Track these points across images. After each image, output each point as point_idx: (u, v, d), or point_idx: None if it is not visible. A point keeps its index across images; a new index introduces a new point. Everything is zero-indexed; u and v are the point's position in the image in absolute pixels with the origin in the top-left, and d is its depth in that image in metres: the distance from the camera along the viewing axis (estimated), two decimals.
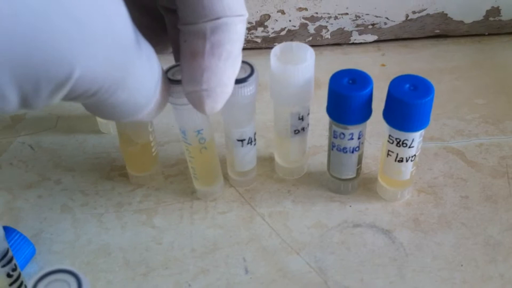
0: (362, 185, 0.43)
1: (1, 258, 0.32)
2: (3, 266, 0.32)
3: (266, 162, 0.45)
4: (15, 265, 0.33)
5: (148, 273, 0.38)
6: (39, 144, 0.46)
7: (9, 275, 0.33)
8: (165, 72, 0.36)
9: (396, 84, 0.36)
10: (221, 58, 0.29)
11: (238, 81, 0.36)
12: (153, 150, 0.42)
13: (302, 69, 0.37)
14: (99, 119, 0.46)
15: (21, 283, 0.34)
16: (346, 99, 0.37)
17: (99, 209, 0.41)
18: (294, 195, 0.43)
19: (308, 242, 0.40)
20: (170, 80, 0.35)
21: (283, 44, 0.39)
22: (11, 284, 0.33)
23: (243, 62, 0.37)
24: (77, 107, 0.49)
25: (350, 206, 0.42)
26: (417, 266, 0.38)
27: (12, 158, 0.45)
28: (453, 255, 0.39)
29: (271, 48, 0.51)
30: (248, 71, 0.37)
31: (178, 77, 0.35)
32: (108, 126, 0.47)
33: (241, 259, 0.39)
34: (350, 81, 0.37)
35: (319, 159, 0.45)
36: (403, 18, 0.55)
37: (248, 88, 0.36)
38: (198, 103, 0.30)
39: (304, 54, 0.38)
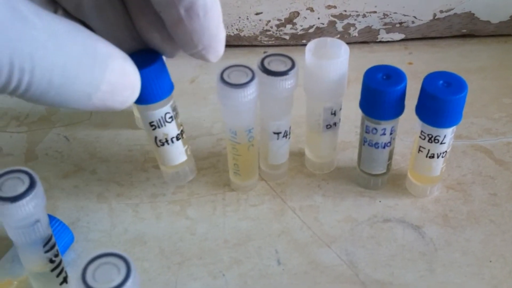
0: (391, 181, 0.44)
1: (45, 244, 0.33)
2: (46, 251, 0.33)
3: (296, 156, 0.46)
4: (57, 251, 0.34)
5: (183, 262, 0.39)
6: (74, 135, 0.47)
7: (51, 261, 0.34)
8: (220, 74, 0.37)
9: (430, 80, 0.37)
10: (200, 17, 0.28)
11: (279, 74, 0.37)
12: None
13: (337, 64, 0.38)
14: (136, 115, 0.47)
15: (62, 269, 0.35)
16: (380, 94, 0.37)
17: (134, 199, 0.42)
18: (324, 189, 0.43)
19: (338, 235, 0.40)
20: (225, 83, 0.36)
21: (318, 39, 0.39)
22: (53, 270, 0.34)
23: (284, 56, 0.38)
24: None
25: (380, 201, 0.43)
26: (447, 261, 0.39)
27: (48, 149, 0.46)
28: (481, 251, 0.39)
29: (299, 45, 0.52)
30: (289, 64, 0.38)
31: (233, 81, 0.36)
32: None
33: (273, 250, 0.39)
34: (384, 77, 0.38)
35: (348, 155, 0.46)
36: (431, 17, 0.56)
37: (289, 81, 0.37)
38: (202, 59, 0.31)
39: (338, 49, 0.39)
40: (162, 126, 0.36)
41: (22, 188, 0.30)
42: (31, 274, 0.34)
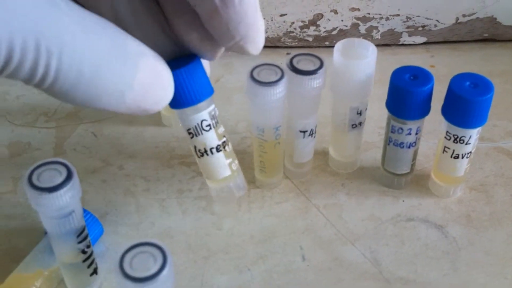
0: (415, 181, 0.44)
1: (78, 234, 0.33)
2: (79, 242, 0.34)
3: (320, 155, 0.46)
4: (89, 242, 0.35)
5: (210, 256, 0.39)
6: (101, 131, 0.48)
7: (83, 252, 0.34)
8: (251, 72, 0.37)
9: (457, 81, 0.37)
10: (235, 3, 0.27)
11: (307, 73, 0.38)
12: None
13: (364, 65, 0.39)
14: (162, 112, 0.48)
15: (93, 260, 0.36)
16: (408, 94, 0.38)
17: (160, 194, 0.43)
18: (347, 188, 0.44)
19: (362, 233, 0.41)
20: (255, 81, 0.36)
21: (346, 40, 0.40)
22: (84, 260, 0.35)
23: (313, 55, 0.39)
24: None
25: (403, 200, 0.43)
26: (470, 260, 0.39)
27: (75, 144, 0.47)
28: (504, 251, 0.40)
29: (322, 47, 0.53)
30: (318, 64, 0.38)
31: (263, 79, 0.37)
32: (170, 120, 0.48)
33: (298, 247, 0.40)
34: (412, 77, 0.38)
35: (371, 155, 0.46)
36: (453, 21, 0.56)
37: (317, 80, 0.38)
38: (242, 52, 0.29)
39: (366, 50, 0.40)
40: (199, 134, 0.34)
41: (59, 179, 0.31)
42: (63, 265, 0.35)
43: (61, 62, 0.23)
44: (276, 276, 0.38)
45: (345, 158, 0.45)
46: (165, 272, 0.27)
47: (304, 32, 0.57)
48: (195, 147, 0.34)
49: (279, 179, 0.44)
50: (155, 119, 0.49)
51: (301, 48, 0.58)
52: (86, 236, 0.34)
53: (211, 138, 0.34)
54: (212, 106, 0.34)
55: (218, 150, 0.35)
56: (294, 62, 0.39)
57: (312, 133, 0.42)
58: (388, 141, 0.41)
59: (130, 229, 0.41)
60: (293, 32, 0.56)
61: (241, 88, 0.53)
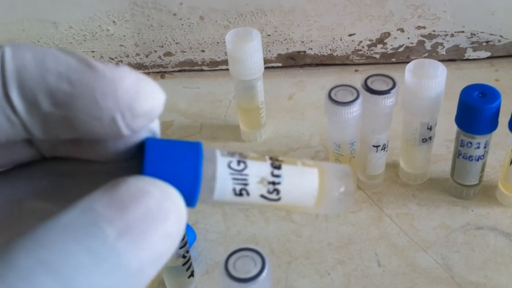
0: (483, 192, 0.47)
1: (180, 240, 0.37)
2: (181, 247, 0.38)
3: (390, 167, 0.49)
4: (188, 247, 0.39)
5: (292, 261, 0.43)
6: None
7: (184, 256, 0.38)
8: (329, 93, 0.40)
9: None
10: None
11: (381, 93, 0.41)
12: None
13: (435, 84, 0.42)
14: (242, 128, 0.52)
15: (191, 264, 0.40)
16: (477, 111, 0.40)
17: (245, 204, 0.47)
18: (418, 198, 0.47)
19: (434, 241, 0.44)
20: (333, 101, 0.40)
21: (417, 60, 0.43)
22: (184, 264, 0.39)
23: (386, 76, 0.42)
24: (218, 116, 0.55)
25: (472, 210, 0.46)
26: None
27: None
28: None
29: (389, 63, 0.55)
30: (390, 84, 0.41)
31: (340, 99, 0.40)
32: (249, 136, 0.52)
33: (373, 253, 0.43)
34: (480, 95, 0.41)
35: (440, 167, 0.49)
36: None
37: (390, 99, 0.41)
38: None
39: (436, 70, 0.42)
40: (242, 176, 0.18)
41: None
42: (165, 268, 0.39)
43: None
44: (354, 280, 0.41)
45: (415, 170, 0.47)
46: (264, 274, 0.30)
47: (372, 50, 0.60)
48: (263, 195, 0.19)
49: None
50: (235, 135, 0.53)
51: (369, 65, 0.61)
52: (186, 242, 0.38)
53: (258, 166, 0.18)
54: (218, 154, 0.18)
55: (277, 167, 0.19)
56: (369, 82, 0.42)
57: (384, 147, 0.45)
58: (457, 155, 0.44)
59: (218, 237, 0.45)
60: (361, 50, 0.60)
61: (313, 104, 0.56)
